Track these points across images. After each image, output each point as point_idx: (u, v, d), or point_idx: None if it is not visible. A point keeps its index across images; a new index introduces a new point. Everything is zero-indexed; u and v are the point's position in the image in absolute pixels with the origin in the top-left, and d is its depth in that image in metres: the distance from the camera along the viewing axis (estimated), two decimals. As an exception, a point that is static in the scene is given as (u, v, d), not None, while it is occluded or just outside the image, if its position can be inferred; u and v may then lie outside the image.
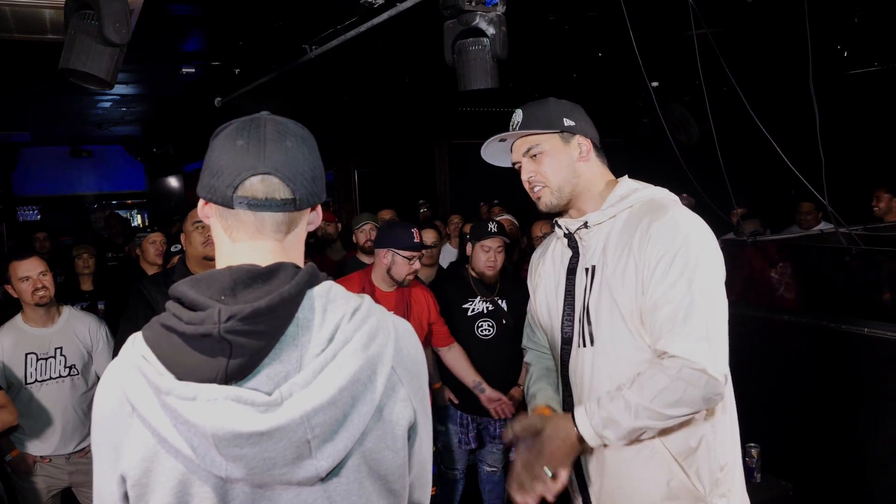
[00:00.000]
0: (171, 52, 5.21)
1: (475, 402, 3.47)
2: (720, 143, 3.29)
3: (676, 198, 1.73)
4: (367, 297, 1.07)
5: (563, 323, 1.78)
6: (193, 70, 5.74)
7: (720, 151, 3.32)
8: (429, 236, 4.28)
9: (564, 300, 1.79)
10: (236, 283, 0.97)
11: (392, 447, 1.04)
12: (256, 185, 1.02)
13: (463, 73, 3.16)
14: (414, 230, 3.17)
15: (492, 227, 3.55)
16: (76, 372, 3.27)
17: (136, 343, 0.99)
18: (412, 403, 1.06)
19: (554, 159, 1.74)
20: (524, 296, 3.54)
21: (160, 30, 4.41)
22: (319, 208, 1.13)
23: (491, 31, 3.04)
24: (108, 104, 7.81)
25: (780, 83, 5.65)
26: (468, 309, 3.55)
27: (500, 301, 3.55)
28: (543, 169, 1.74)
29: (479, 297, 3.56)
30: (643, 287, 1.60)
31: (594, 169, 1.76)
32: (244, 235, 1.04)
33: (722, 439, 1.68)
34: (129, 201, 12.81)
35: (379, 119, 8.68)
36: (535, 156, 1.75)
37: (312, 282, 1.02)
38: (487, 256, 3.49)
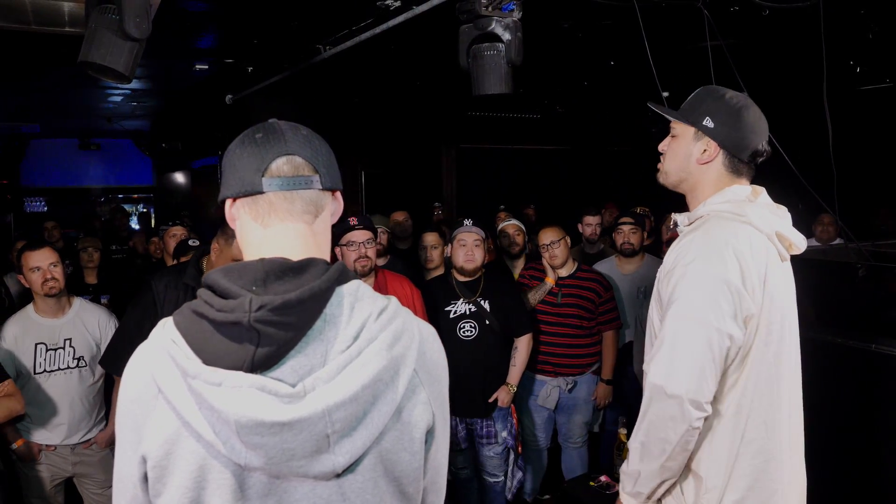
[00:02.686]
0: (184, 49, 5.22)
1: (462, 402, 3.46)
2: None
3: (741, 211, 1.69)
4: (393, 299, 1.08)
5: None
6: (206, 67, 5.75)
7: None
8: (431, 239, 4.33)
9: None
10: (268, 275, 0.99)
11: (409, 449, 1.05)
12: (283, 166, 1.06)
13: (477, 77, 3.18)
14: (350, 217, 3.19)
15: (467, 222, 3.59)
16: (84, 364, 3.29)
17: (166, 327, 1.01)
18: (432, 407, 1.07)
19: (679, 147, 1.80)
20: (506, 296, 3.59)
21: (175, 26, 4.43)
22: (340, 198, 1.16)
23: (507, 36, 3.06)
24: (119, 98, 7.81)
25: (792, 97, 5.65)
26: (450, 311, 3.57)
27: (482, 301, 3.57)
28: (669, 150, 1.83)
29: (461, 300, 3.58)
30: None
31: (712, 175, 1.76)
32: (275, 219, 1.07)
33: (711, 462, 1.69)
34: (137, 196, 12.83)
35: (388, 121, 8.69)
36: (673, 135, 1.84)
37: (342, 279, 1.04)
38: (465, 251, 3.52)
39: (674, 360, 1.60)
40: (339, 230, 3.19)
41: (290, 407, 0.92)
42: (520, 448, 3.70)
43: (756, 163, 1.77)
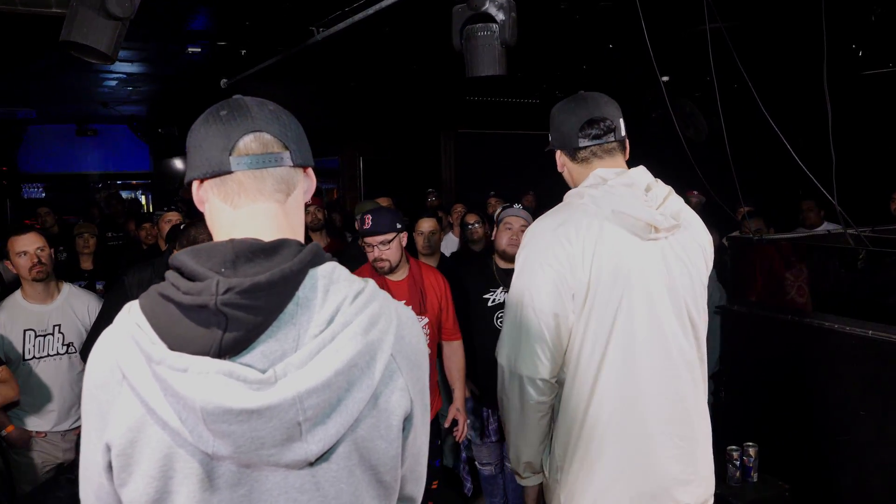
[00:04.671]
0: (177, 31, 5.16)
1: (492, 393, 3.43)
2: (730, 140, 3.24)
3: (576, 200, 1.79)
4: (371, 282, 1.04)
5: None
6: (199, 50, 5.69)
7: (729, 148, 3.27)
8: (427, 225, 4.25)
9: None
10: (238, 256, 0.95)
11: (385, 437, 1.01)
12: (251, 144, 1.02)
13: (470, 58, 3.12)
14: (366, 216, 3.09)
15: (517, 205, 3.48)
16: (74, 350, 3.26)
17: (131, 311, 0.98)
18: (410, 394, 1.04)
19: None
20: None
21: (166, 6, 4.36)
22: (313, 174, 1.12)
23: (500, 16, 3.00)
24: (113, 83, 7.76)
25: (792, 81, 5.59)
26: (489, 299, 3.46)
27: None
28: None
29: (501, 288, 3.45)
30: None
31: (574, 175, 1.89)
32: (245, 199, 1.03)
33: (562, 428, 1.80)
34: (134, 181, 12.80)
35: (385, 106, 8.63)
36: None
37: (316, 261, 1.00)
38: (510, 234, 3.39)
39: (514, 343, 1.77)
40: (361, 231, 3.16)
41: (259, 394, 0.89)
42: None
43: (597, 142, 1.81)
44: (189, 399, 0.88)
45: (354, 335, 0.95)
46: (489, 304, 3.47)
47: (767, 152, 5.05)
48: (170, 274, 0.96)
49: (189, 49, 5.68)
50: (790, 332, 3.13)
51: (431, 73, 6.92)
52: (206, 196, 1.06)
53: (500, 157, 9.86)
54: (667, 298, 1.75)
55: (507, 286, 3.41)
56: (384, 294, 1.05)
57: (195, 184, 1.06)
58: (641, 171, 1.83)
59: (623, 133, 1.85)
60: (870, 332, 2.82)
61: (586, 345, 1.73)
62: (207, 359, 0.90)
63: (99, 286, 4.92)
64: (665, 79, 3.07)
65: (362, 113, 8.96)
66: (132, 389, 0.94)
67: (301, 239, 1.07)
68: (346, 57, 5.88)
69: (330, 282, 0.99)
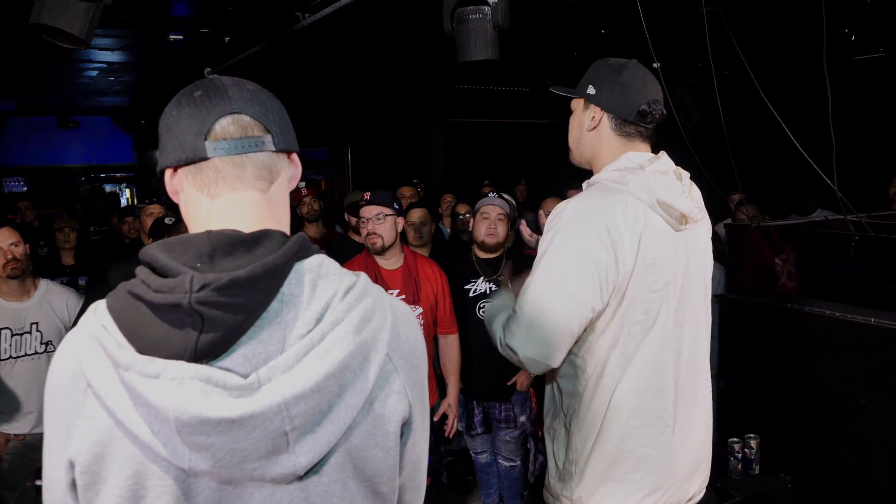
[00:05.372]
0: (157, 17, 5.02)
1: (480, 385, 3.42)
2: (721, 126, 3.19)
3: (630, 185, 1.64)
4: (363, 275, 0.96)
5: None
6: (182, 37, 5.55)
7: (727, 134, 3.21)
8: (417, 215, 4.23)
9: None
10: (215, 249, 0.86)
11: (382, 445, 0.93)
12: (229, 127, 0.93)
13: (462, 43, 3.03)
14: (365, 193, 3.15)
15: (492, 193, 3.46)
16: (53, 348, 3.15)
17: (97, 311, 0.89)
18: (408, 396, 0.96)
19: (573, 120, 1.80)
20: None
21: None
22: (298, 160, 1.03)
23: (493, -2, 2.90)
24: (94, 73, 7.60)
25: (786, 66, 5.54)
26: (469, 290, 3.45)
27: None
28: (570, 127, 1.82)
29: (481, 278, 3.46)
30: None
31: (604, 142, 1.75)
32: (224, 188, 0.94)
33: (577, 426, 1.70)
34: (118, 174, 12.62)
35: (374, 96, 8.51)
36: (572, 111, 1.83)
37: (302, 253, 0.91)
38: (487, 224, 3.38)
39: (532, 329, 1.62)
40: (354, 210, 3.17)
41: (240, 401, 0.81)
42: (540, 433, 3.61)
43: (647, 124, 1.72)
44: (161, 408, 0.79)
45: (346, 334, 0.87)
46: (470, 294, 3.44)
47: (760, 138, 5.00)
48: (140, 270, 0.88)
49: (171, 36, 5.55)
50: (789, 321, 3.08)
51: (421, 62, 6.82)
52: (181, 185, 0.97)
53: (490, 147, 9.78)
54: (690, 294, 1.70)
55: (486, 276, 3.44)
56: (377, 288, 0.97)
57: (168, 172, 0.97)
58: (668, 159, 1.77)
59: None
60: (872, 319, 2.76)
61: (619, 342, 1.63)
62: (182, 363, 0.81)
63: (81, 281, 4.84)
64: (657, 65, 2.99)
65: (350, 102, 8.84)
66: (98, 399, 0.85)
67: (286, 229, 0.99)
68: (334, 44, 5.77)
69: (318, 276, 0.91)
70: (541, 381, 3.72)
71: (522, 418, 3.51)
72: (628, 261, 1.59)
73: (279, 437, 0.83)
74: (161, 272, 0.85)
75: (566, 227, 1.62)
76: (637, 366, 1.64)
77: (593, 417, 1.67)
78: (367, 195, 3.13)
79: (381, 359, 0.91)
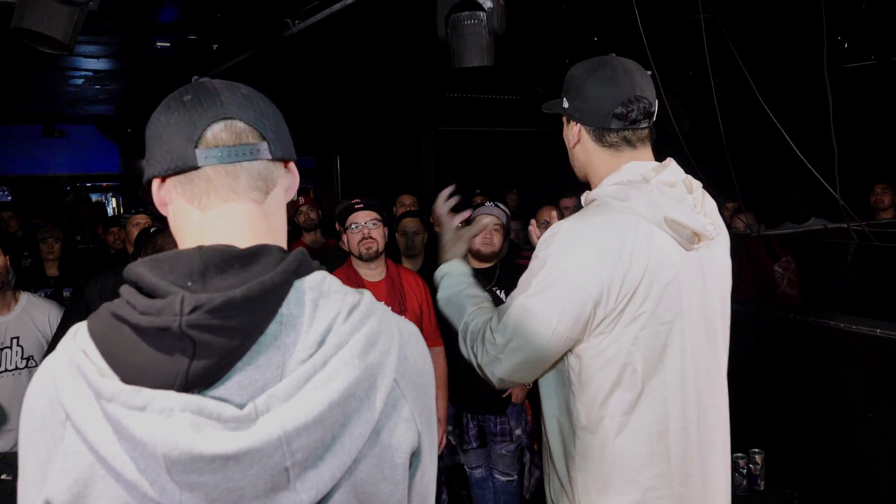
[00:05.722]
0: (144, 24, 4.95)
1: (474, 399, 3.34)
2: (714, 134, 3.15)
3: (618, 202, 1.47)
4: (367, 293, 0.89)
5: None
6: (169, 44, 5.48)
7: (725, 142, 3.17)
8: (410, 224, 4.17)
9: None
10: (207, 267, 0.79)
11: (390, 478, 0.86)
12: (221, 133, 0.86)
13: (457, 49, 2.96)
14: (353, 200, 3.11)
15: (489, 203, 3.42)
16: (34, 364, 3.04)
17: (77, 335, 0.81)
18: (416, 424, 0.88)
19: (564, 136, 1.66)
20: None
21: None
22: (295, 169, 0.96)
23: (488, 3, 2.84)
24: (80, 81, 7.51)
25: (782, 73, 5.53)
26: None
27: (498, 291, 3.37)
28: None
29: None
30: None
31: (592, 157, 1.58)
32: (216, 199, 0.87)
33: (584, 480, 1.50)
34: (105, 184, 12.50)
35: (363, 103, 8.46)
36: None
37: (302, 270, 0.84)
38: (483, 234, 3.31)
39: (507, 350, 1.49)
40: (343, 216, 3.06)
41: (236, 434, 0.74)
42: (536, 446, 3.57)
43: (631, 126, 1.51)
44: (149, 444, 0.72)
45: (351, 358, 0.80)
46: None
47: (753, 145, 4.98)
48: (125, 289, 0.80)
49: (158, 44, 5.47)
50: (792, 331, 3.03)
51: (411, 69, 6.78)
52: (169, 196, 0.90)
53: (481, 155, 9.74)
54: (707, 320, 1.51)
55: (481, 286, 3.37)
56: (382, 307, 0.89)
57: (155, 182, 0.90)
58: (676, 167, 1.57)
59: (655, 116, 1.57)
60: (878, 330, 2.72)
61: (623, 380, 1.44)
62: (171, 393, 0.74)
63: (66, 293, 4.73)
64: (648, 73, 2.93)
65: (340, 110, 8.78)
66: (78, 433, 0.77)
67: (283, 244, 0.91)
68: (323, 51, 5.72)
69: (319, 295, 0.83)
70: (536, 393, 3.69)
71: (518, 431, 3.45)
72: (629, 290, 1.41)
73: (279, 473, 0.76)
74: (148, 292, 0.78)
75: (557, 251, 1.45)
76: (645, 406, 1.45)
77: (597, 470, 1.47)
78: (358, 201, 3.08)
79: (388, 384, 0.84)
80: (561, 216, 3.87)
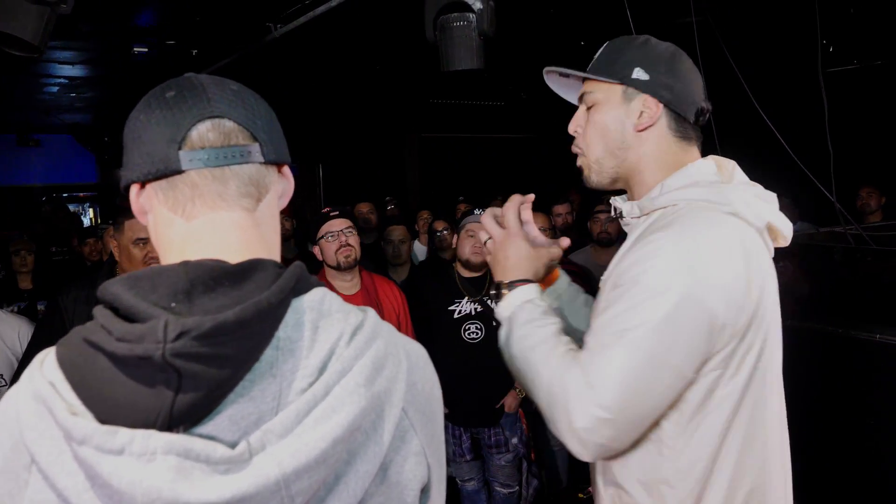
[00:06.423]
0: (120, 28, 4.83)
1: (467, 411, 3.28)
2: (706, 136, 3.12)
3: (736, 208, 1.22)
4: (370, 311, 0.80)
5: None
6: (146, 50, 5.36)
7: (718, 144, 3.13)
8: (396, 233, 4.14)
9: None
10: (194, 285, 0.70)
11: None
12: (208, 134, 0.77)
13: (446, 52, 2.90)
14: (325, 208, 3.03)
15: (478, 210, 3.32)
16: (3, 382, 2.89)
17: (45, 365, 0.71)
18: (426, 458, 0.79)
19: (602, 118, 1.32)
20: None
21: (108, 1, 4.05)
22: (290, 174, 0.87)
23: (478, 5, 2.78)
24: (55, 88, 7.35)
25: (773, 76, 5.52)
26: (454, 311, 3.30)
27: (489, 301, 3.29)
28: (588, 128, 1.33)
29: (466, 298, 3.31)
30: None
31: (658, 144, 1.30)
32: (202, 207, 0.78)
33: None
34: (81, 194, 12.29)
35: (347, 109, 8.37)
36: (590, 106, 1.34)
37: (301, 288, 0.75)
38: (473, 242, 3.25)
39: (619, 409, 1.13)
40: (314, 226, 2.96)
41: (228, 479, 0.65)
42: (533, 455, 3.51)
43: (700, 125, 1.35)
44: (126, 494, 0.63)
45: (356, 387, 0.71)
46: (455, 315, 3.29)
47: (746, 149, 4.95)
48: (99, 311, 0.70)
49: (135, 49, 5.35)
50: (791, 338, 2.97)
51: (395, 75, 6.70)
52: (149, 204, 0.81)
53: (466, 162, 9.70)
54: (778, 334, 1.31)
55: (471, 295, 3.28)
56: (388, 326, 0.80)
57: (134, 188, 0.81)
58: (738, 168, 1.37)
59: None
60: (877, 336, 2.67)
61: (736, 420, 1.20)
62: (153, 433, 0.65)
63: (40, 306, 4.60)
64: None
65: (322, 117, 8.68)
66: (45, 479, 0.68)
67: (277, 258, 0.82)
68: (306, 57, 5.63)
69: (319, 315, 0.74)
70: (529, 401, 3.62)
71: (514, 440, 3.39)
72: (749, 307, 1.17)
73: None
74: (126, 315, 0.69)
75: (666, 271, 1.14)
76: (751, 441, 1.23)
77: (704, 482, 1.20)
78: (331, 209, 3.02)
79: (396, 414, 0.75)
80: (553, 224, 3.79)
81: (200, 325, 0.66)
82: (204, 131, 0.77)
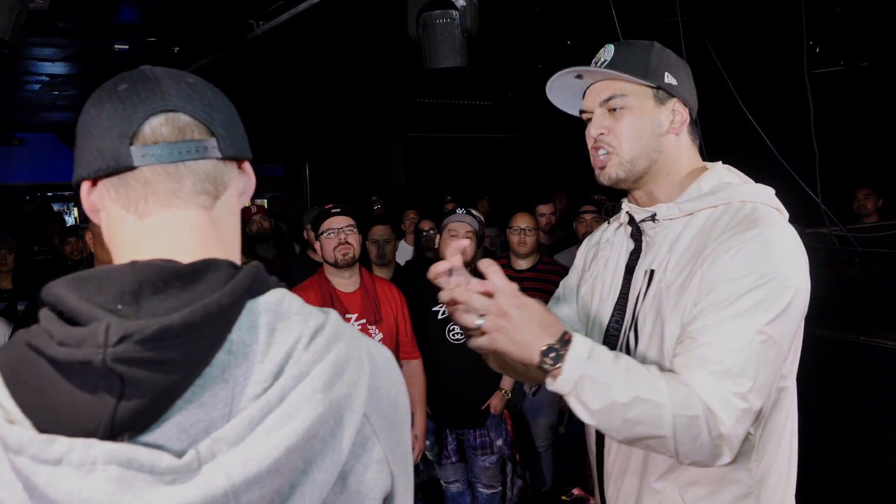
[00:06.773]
0: (101, 24, 4.77)
1: (452, 413, 3.26)
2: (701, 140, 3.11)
3: (778, 205, 1.32)
4: (332, 313, 0.76)
5: (609, 328, 1.45)
6: (127, 47, 5.31)
7: (704, 146, 3.12)
8: (380, 232, 4.05)
9: (616, 303, 1.44)
10: (141, 286, 0.67)
11: None
12: (161, 128, 0.74)
13: (428, 49, 2.86)
14: (326, 205, 3.01)
15: (460, 210, 3.30)
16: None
17: None
18: (389, 466, 0.76)
19: (637, 120, 1.33)
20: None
21: (88, -2, 4.00)
22: (250, 170, 0.83)
23: (461, 2, 2.75)
24: (37, 86, 7.29)
25: (761, 76, 5.53)
26: (438, 312, 3.25)
27: None
28: (621, 129, 1.33)
29: None
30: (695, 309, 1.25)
31: (683, 148, 1.37)
32: (156, 205, 0.74)
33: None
34: (66, 193, 12.20)
35: (332, 108, 8.32)
36: (615, 109, 1.34)
37: (257, 289, 0.72)
38: (455, 242, 3.21)
39: (753, 394, 1.15)
40: (318, 220, 2.94)
41: (173, 489, 0.62)
42: (517, 455, 3.49)
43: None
44: None
45: (313, 392, 0.68)
46: (439, 316, 3.25)
47: (731, 149, 4.96)
48: (44, 314, 0.66)
49: (116, 46, 5.30)
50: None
51: (381, 74, 6.67)
52: (101, 202, 0.77)
53: (452, 162, 9.68)
54: None
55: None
56: (351, 329, 0.77)
57: (85, 185, 0.77)
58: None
59: None
60: (861, 338, 2.65)
61: (792, 412, 1.36)
62: (93, 442, 0.62)
63: (21, 307, 4.50)
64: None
65: (308, 116, 8.63)
66: None
67: (236, 258, 0.78)
68: (290, 54, 5.59)
69: (276, 317, 0.71)
70: (514, 402, 3.60)
71: (499, 442, 3.38)
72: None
73: None
74: (69, 317, 0.65)
75: (778, 257, 1.20)
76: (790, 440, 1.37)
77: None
78: (333, 206, 2.98)
79: (356, 421, 0.72)
80: (536, 224, 3.76)
81: (144, 328, 0.62)
82: (157, 126, 0.74)
